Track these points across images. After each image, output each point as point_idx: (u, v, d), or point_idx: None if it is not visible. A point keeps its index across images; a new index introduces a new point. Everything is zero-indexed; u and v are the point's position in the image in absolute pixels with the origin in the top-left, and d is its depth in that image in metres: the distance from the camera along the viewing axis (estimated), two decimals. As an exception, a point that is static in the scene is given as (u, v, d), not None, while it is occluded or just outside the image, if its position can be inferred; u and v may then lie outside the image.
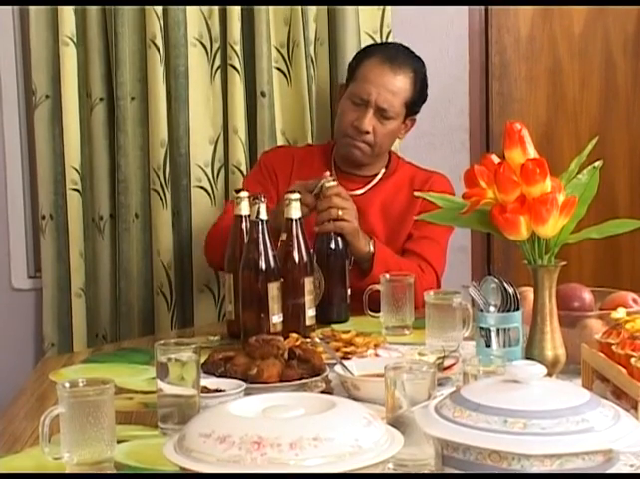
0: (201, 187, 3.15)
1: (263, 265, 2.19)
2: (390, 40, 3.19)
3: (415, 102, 2.83)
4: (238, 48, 3.08)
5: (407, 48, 2.89)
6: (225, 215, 2.75)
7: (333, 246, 2.50)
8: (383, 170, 2.86)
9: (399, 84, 2.77)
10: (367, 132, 2.75)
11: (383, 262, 2.56)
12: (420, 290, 2.35)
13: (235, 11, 3.09)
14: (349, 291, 2.52)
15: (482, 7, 3.41)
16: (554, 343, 1.74)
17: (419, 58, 2.87)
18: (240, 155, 3.12)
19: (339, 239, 2.52)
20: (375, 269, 2.54)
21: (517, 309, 1.83)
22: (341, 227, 2.51)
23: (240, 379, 1.76)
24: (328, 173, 2.59)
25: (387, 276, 2.37)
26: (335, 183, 2.55)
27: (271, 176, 2.83)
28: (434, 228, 2.67)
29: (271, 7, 3.12)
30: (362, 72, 2.78)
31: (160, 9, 3.06)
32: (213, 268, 2.98)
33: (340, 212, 2.50)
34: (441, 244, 2.77)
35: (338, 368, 1.84)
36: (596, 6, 3.45)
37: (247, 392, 1.68)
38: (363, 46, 3.05)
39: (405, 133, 2.90)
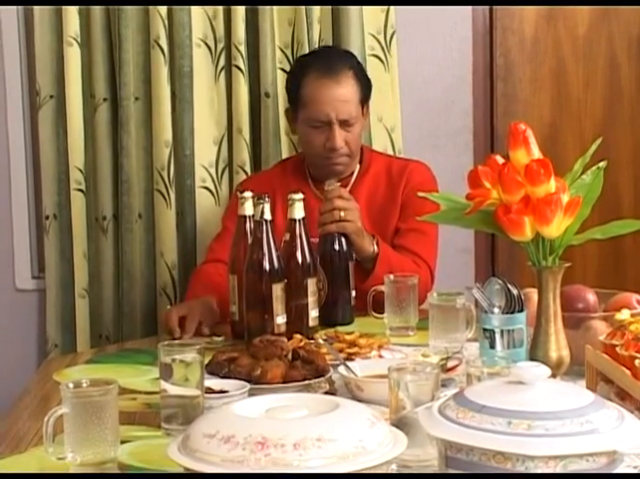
0: (205, 187, 3.16)
1: (267, 266, 2.19)
2: (394, 41, 3.18)
3: (366, 94, 2.80)
4: (242, 49, 3.08)
5: (331, 47, 2.86)
6: (209, 254, 2.73)
7: (337, 248, 2.50)
8: (357, 167, 2.84)
9: (348, 90, 2.72)
10: (341, 147, 2.73)
11: (386, 261, 2.56)
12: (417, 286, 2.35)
13: (239, 12, 3.09)
14: (354, 293, 2.52)
15: (487, 9, 3.41)
16: (558, 344, 1.74)
17: (346, 51, 2.85)
18: (244, 155, 3.12)
19: (343, 240, 2.51)
20: (378, 269, 2.54)
21: (521, 310, 1.83)
22: (344, 227, 2.51)
23: (244, 380, 1.76)
24: (334, 181, 2.59)
25: (391, 277, 2.37)
26: (337, 185, 2.55)
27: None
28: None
29: (275, 8, 3.12)
30: (308, 95, 2.72)
31: (164, 10, 3.06)
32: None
33: (342, 213, 2.50)
34: (431, 237, 2.75)
35: (342, 369, 1.84)
36: (600, 6, 3.45)
37: (251, 393, 1.68)
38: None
39: (366, 119, 2.89)
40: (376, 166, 2.84)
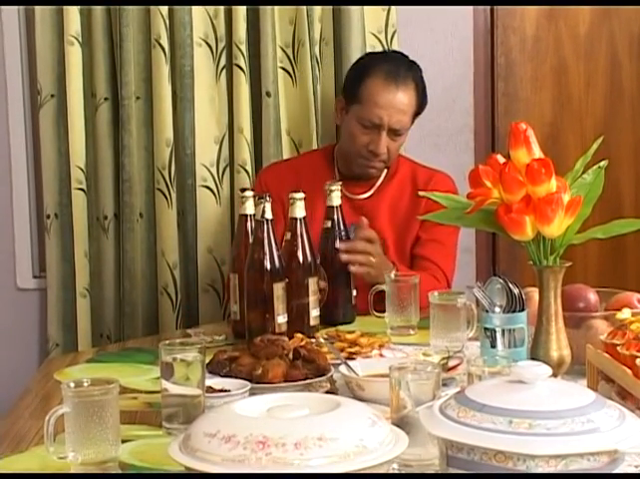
0: (206, 187, 3.15)
1: (268, 265, 2.19)
2: (395, 41, 3.18)
3: (420, 110, 2.83)
4: (243, 48, 3.08)
5: (403, 55, 2.87)
6: None
7: (338, 246, 2.51)
8: (385, 171, 2.86)
9: (407, 101, 2.75)
10: (383, 154, 2.75)
11: None
12: None
13: (240, 11, 3.09)
14: (354, 292, 2.52)
15: (488, 8, 3.41)
16: (559, 344, 1.74)
17: (415, 63, 2.85)
18: (245, 155, 3.12)
19: (344, 239, 2.52)
20: None
21: (522, 310, 1.83)
22: (369, 274, 2.50)
23: (245, 379, 1.76)
24: (364, 220, 2.59)
25: (392, 276, 2.37)
26: (366, 222, 2.56)
27: (272, 194, 2.78)
28: (441, 229, 2.68)
29: (276, 7, 3.12)
30: (368, 94, 2.74)
31: (165, 9, 3.06)
32: None
33: (371, 259, 2.50)
34: (449, 247, 2.78)
35: (343, 368, 1.84)
36: (601, 6, 3.45)
37: (252, 392, 1.68)
38: (358, 58, 2.98)
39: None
40: (402, 172, 2.87)
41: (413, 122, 2.82)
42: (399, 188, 2.84)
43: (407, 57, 2.87)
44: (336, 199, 2.48)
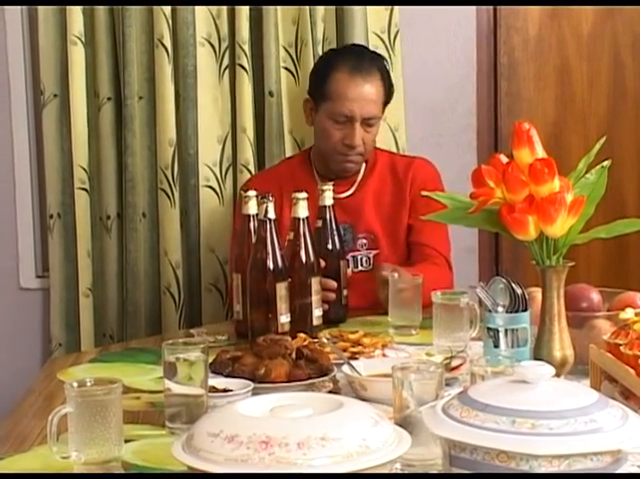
0: (209, 186, 3.16)
1: (271, 265, 2.19)
2: (397, 40, 3.19)
3: (388, 99, 2.83)
4: (246, 48, 3.09)
5: (364, 47, 2.90)
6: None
7: (330, 247, 2.49)
8: (364, 166, 2.85)
9: (375, 91, 2.76)
10: (359, 145, 2.75)
11: None
12: (442, 285, 2.38)
13: (243, 11, 3.09)
14: (345, 292, 2.50)
15: (491, 8, 3.41)
16: (562, 344, 1.74)
17: (377, 54, 2.88)
18: (248, 154, 3.12)
19: (336, 239, 2.50)
20: None
21: (525, 310, 1.83)
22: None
23: (248, 379, 1.76)
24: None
25: (395, 276, 2.37)
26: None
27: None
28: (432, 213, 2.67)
29: (279, 7, 3.12)
30: (336, 89, 2.74)
31: (168, 9, 3.06)
32: None
33: None
34: (443, 228, 2.78)
35: (346, 368, 1.84)
36: (605, 5, 3.45)
37: (255, 392, 1.68)
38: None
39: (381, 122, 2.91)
40: (381, 163, 2.87)
41: (383, 111, 2.82)
42: (380, 180, 2.84)
43: (367, 48, 2.90)
44: (328, 199, 2.47)
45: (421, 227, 2.73)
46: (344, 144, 2.74)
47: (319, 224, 2.48)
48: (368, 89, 2.74)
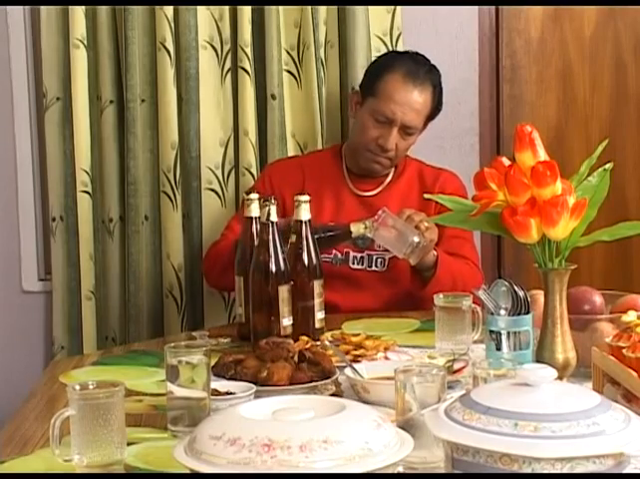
0: (211, 189, 3.16)
1: (273, 268, 2.19)
2: (400, 43, 3.19)
3: (434, 114, 2.85)
4: (249, 51, 3.09)
5: (424, 58, 2.88)
6: (228, 233, 2.75)
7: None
8: (393, 169, 2.87)
9: (422, 101, 2.77)
10: (391, 150, 2.76)
11: (447, 265, 2.60)
12: (475, 282, 2.40)
13: (245, 14, 3.09)
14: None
15: (493, 10, 3.41)
16: (565, 346, 1.74)
17: (435, 67, 2.87)
18: (250, 157, 3.12)
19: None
20: (440, 272, 2.58)
21: (528, 312, 1.83)
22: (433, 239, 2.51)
23: (250, 382, 1.76)
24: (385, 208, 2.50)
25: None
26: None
27: (274, 189, 2.79)
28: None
29: (281, 10, 3.12)
30: (385, 89, 2.75)
31: (170, 12, 3.07)
32: (217, 288, 2.99)
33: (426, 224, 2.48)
34: (471, 241, 2.82)
35: (348, 371, 1.84)
36: (607, 7, 3.44)
37: (257, 395, 1.69)
38: (379, 54, 3.02)
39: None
40: (410, 171, 2.89)
41: (425, 126, 2.84)
42: (407, 186, 2.86)
43: (428, 60, 2.88)
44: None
45: (449, 238, 2.72)
46: (377, 143, 2.76)
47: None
48: (416, 97, 2.75)
